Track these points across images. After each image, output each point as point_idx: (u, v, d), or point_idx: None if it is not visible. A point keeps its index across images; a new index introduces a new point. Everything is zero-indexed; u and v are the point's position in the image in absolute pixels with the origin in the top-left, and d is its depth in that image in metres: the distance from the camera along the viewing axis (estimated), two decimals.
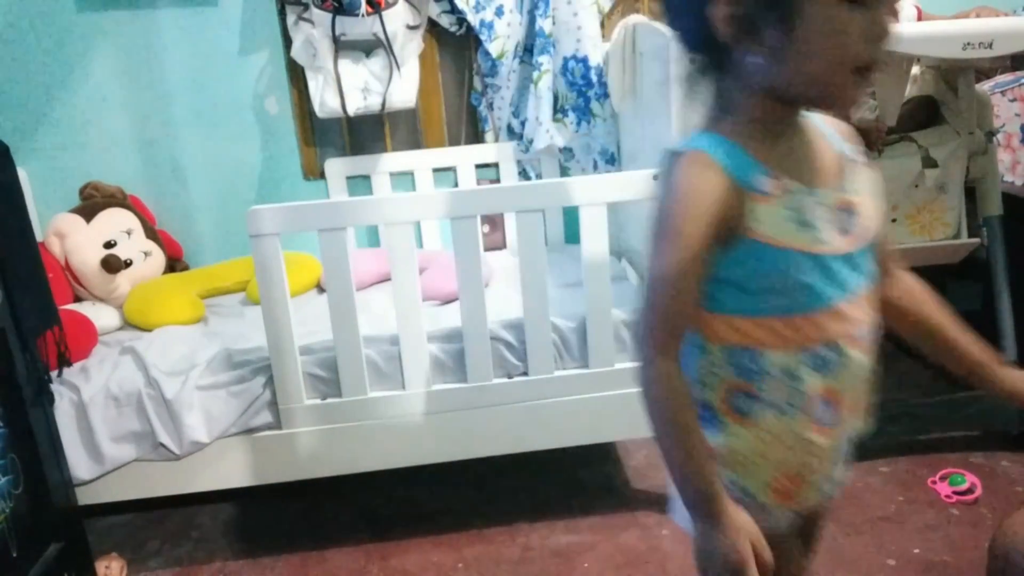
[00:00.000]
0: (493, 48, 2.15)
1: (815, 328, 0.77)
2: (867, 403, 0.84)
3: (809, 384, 0.78)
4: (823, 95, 0.75)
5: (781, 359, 0.78)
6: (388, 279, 1.68)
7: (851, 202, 0.78)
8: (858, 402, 0.82)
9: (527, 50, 2.19)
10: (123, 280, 1.99)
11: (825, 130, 0.81)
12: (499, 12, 2.12)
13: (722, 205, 0.73)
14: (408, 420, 1.61)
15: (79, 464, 1.55)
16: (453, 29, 2.20)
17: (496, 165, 2.31)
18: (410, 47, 2.14)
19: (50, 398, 1.51)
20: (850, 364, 0.78)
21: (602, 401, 1.63)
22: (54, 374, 1.58)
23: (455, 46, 2.27)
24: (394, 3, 2.04)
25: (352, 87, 2.09)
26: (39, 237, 1.85)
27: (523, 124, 2.23)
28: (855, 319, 0.78)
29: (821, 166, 0.78)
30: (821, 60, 0.71)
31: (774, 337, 0.77)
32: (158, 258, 2.11)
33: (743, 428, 0.81)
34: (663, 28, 1.57)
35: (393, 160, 2.29)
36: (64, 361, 1.59)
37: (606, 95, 2.08)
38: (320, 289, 2.11)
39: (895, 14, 0.71)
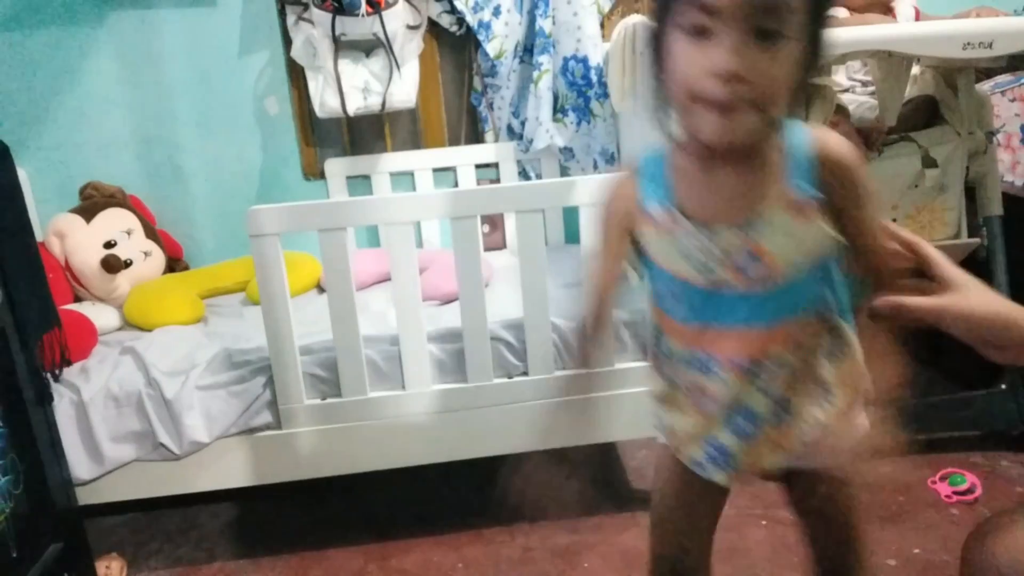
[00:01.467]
0: (491, 48, 2.15)
1: (696, 338, 0.85)
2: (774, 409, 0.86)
3: (689, 377, 0.87)
4: (684, 123, 0.76)
5: (675, 347, 0.88)
6: (388, 279, 1.68)
7: (755, 246, 0.78)
8: (726, 409, 0.86)
9: (527, 50, 2.19)
10: (123, 280, 1.99)
11: (795, 163, 0.77)
12: (496, 12, 2.13)
13: (624, 216, 0.84)
14: (408, 420, 1.61)
15: (79, 464, 1.55)
16: (453, 29, 2.20)
17: (496, 165, 2.32)
18: (410, 47, 2.14)
19: (49, 398, 1.51)
20: (729, 382, 0.84)
21: (602, 401, 1.63)
22: (54, 374, 1.58)
23: (455, 46, 2.27)
24: (394, 3, 2.04)
25: (352, 87, 2.09)
26: (39, 237, 1.85)
27: (523, 124, 2.23)
28: (738, 348, 0.82)
29: (733, 206, 0.78)
30: (674, 88, 0.75)
31: (669, 329, 0.88)
32: (158, 258, 2.11)
33: (659, 377, 0.94)
34: None
35: (393, 160, 2.29)
36: (64, 362, 1.59)
37: (606, 95, 2.08)
38: (320, 289, 2.11)
39: (744, 49, 0.69)
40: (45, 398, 1.44)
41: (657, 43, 0.75)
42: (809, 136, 0.78)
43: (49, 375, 1.51)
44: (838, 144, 0.78)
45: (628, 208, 0.83)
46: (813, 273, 0.80)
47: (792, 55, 0.71)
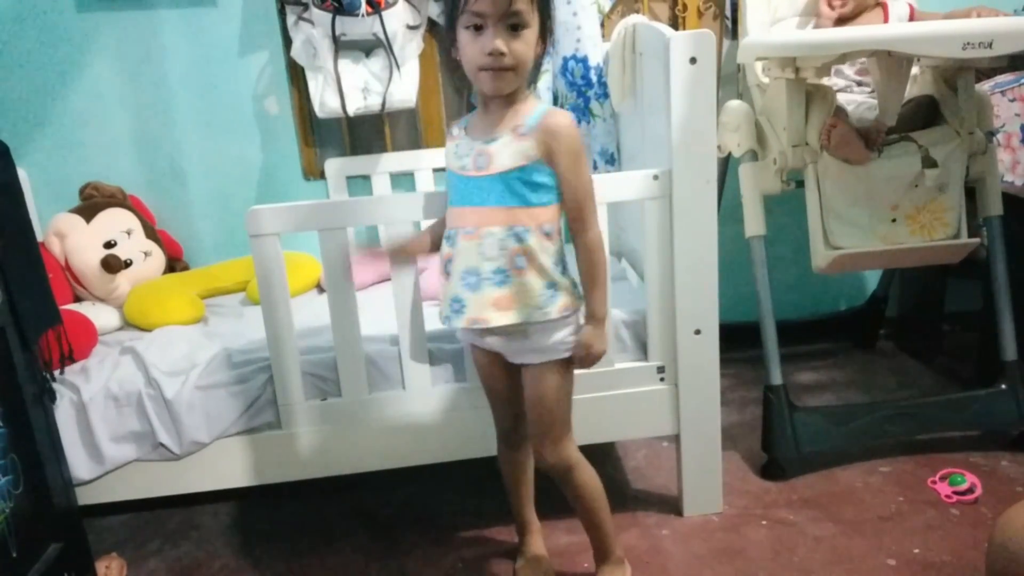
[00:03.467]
0: None
1: (455, 217, 1.30)
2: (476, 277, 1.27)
3: (446, 250, 1.31)
4: (476, 84, 1.25)
5: (448, 232, 1.32)
6: (388, 279, 1.68)
7: (487, 150, 1.25)
8: (464, 269, 1.27)
9: None
10: (123, 280, 1.99)
11: (529, 119, 1.24)
12: None
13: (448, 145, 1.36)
14: (408, 420, 1.61)
15: (79, 464, 1.56)
16: None
17: None
18: (410, 47, 2.14)
19: (51, 396, 1.52)
20: (459, 244, 1.27)
21: (602, 401, 1.63)
22: (56, 372, 1.58)
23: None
24: (394, 3, 2.04)
25: (352, 87, 2.09)
26: (39, 237, 1.85)
27: None
28: (470, 219, 1.26)
29: (484, 128, 1.28)
30: (465, 63, 1.24)
31: (448, 217, 1.33)
32: (158, 258, 2.11)
33: None
34: (663, 28, 1.57)
35: (393, 160, 2.29)
36: (68, 358, 1.58)
37: (606, 95, 2.08)
38: (320, 289, 2.11)
39: (503, 36, 1.18)
40: (46, 394, 1.44)
41: (452, 39, 1.24)
42: (546, 108, 1.26)
43: (49, 374, 1.51)
44: (560, 115, 1.25)
45: (449, 139, 1.36)
46: (516, 176, 1.23)
47: (531, 38, 1.21)
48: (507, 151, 1.23)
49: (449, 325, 1.32)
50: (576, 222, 1.28)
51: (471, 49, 1.21)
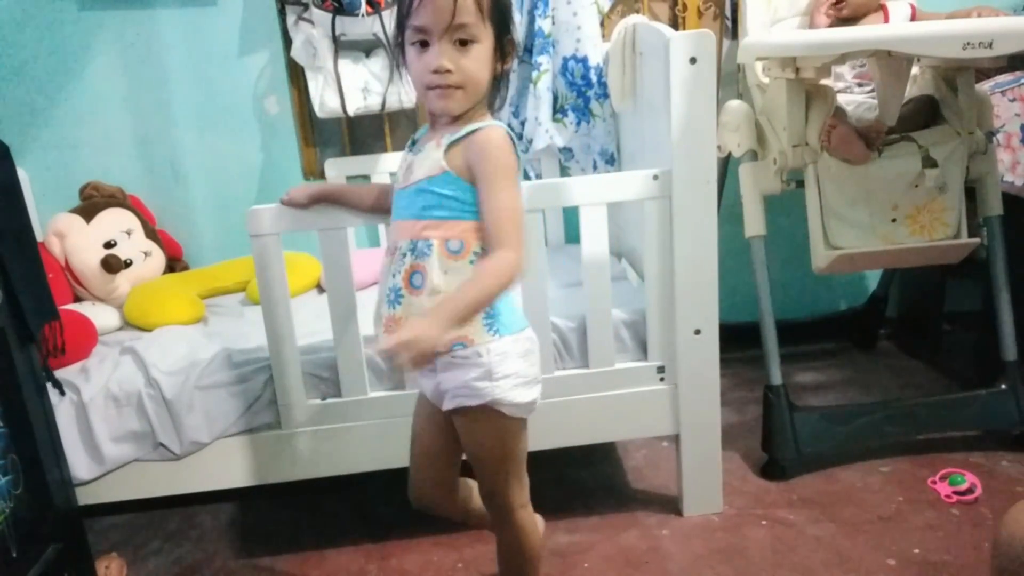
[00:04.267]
0: None
1: (391, 231, 1.23)
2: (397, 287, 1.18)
3: (384, 264, 1.21)
4: (425, 103, 1.19)
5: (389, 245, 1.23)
6: None
7: (412, 162, 1.20)
8: (390, 279, 1.18)
9: (527, 50, 2.18)
10: (123, 280, 1.99)
11: (455, 132, 1.15)
12: None
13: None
14: (408, 420, 1.60)
15: (79, 464, 1.55)
16: None
17: None
18: None
19: (61, 390, 1.53)
20: (387, 263, 1.20)
21: (602, 401, 1.63)
22: (74, 368, 1.60)
23: None
24: (394, 3, 2.04)
25: (352, 87, 2.09)
26: (39, 237, 1.85)
27: (523, 124, 2.23)
28: (392, 234, 1.21)
29: (422, 143, 1.20)
30: (413, 82, 1.17)
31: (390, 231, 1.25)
32: (158, 258, 2.11)
33: None
34: (663, 28, 1.57)
35: (393, 160, 2.29)
36: (59, 350, 1.56)
37: (606, 95, 2.08)
38: (320, 289, 2.11)
39: (449, 52, 1.10)
40: (54, 388, 1.43)
41: (401, 53, 1.17)
42: (486, 124, 1.14)
43: (49, 372, 1.51)
44: (492, 131, 1.14)
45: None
46: (426, 187, 1.15)
47: (482, 54, 1.12)
48: (425, 163, 1.16)
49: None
50: (489, 242, 1.12)
51: (417, 66, 1.13)
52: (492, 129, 1.14)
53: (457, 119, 1.16)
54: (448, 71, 1.10)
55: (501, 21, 1.13)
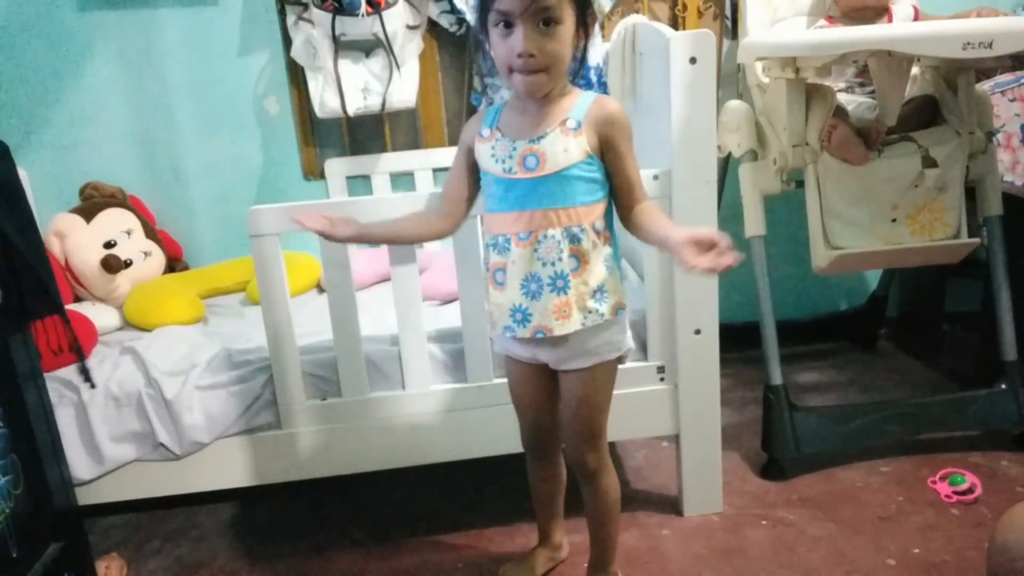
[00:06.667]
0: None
1: (499, 223, 1.23)
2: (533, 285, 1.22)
3: (496, 260, 1.24)
4: (509, 83, 1.18)
5: (489, 240, 1.26)
6: (388, 279, 1.68)
7: (535, 150, 1.19)
8: (522, 276, 1.21)
9: None
10: (123, 280, 1.99)
11: (575, 111, 1.19)
12: None
13: (468, 137, 1.28)
14: (408, 420, 1.61)
15: (79, 464, 1.55)
16: (453, 29, 2.20)
17: None
18: (410, 47, 2.14)
19: (91, 383, 1.55)
20: (513, 252, 1.21)
21: None
22: (74, 368, 1.60)
23: (455, 46, 2.27)
24: (394, 3, 2.04)
25: (352, 87, 2.09)
26: None
27: None
28: (523, 224, 1.20)
29: (529, 127, 1.20)
30: (497, 63, 1.18)
31: (487, 223, 1.27)
32: (158, 258, 2.11)
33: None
34: (663, 28, 1.57)
35: (393, 160, 2.29)
36: (75, 348, 1.59)
37: (606, 95, 2.08)
38: (320, 289, 2.11)
39: (533, 35, 1.11)
40: (43, 388, 1.43)
41: (483, 31, 1.19)
42: (592, 96, 1.20)
43: (80, 363, 1.54)
44: (608, 101, 1.21)
45: (471, 133, 1.28)
46: (572, 174, 1.18)
47: (565, 34, 1.13)
48: (558, 148, 1.17)
49: (513, 336, 1.25)
50: (632, 199, 1.23)
51: (501, 49, 1.15)
52: (608, 100, 1.22)
53: (546, 96, 1.19)
54: (532, 56, 1.12)
55: (584, 5, 1.17)
